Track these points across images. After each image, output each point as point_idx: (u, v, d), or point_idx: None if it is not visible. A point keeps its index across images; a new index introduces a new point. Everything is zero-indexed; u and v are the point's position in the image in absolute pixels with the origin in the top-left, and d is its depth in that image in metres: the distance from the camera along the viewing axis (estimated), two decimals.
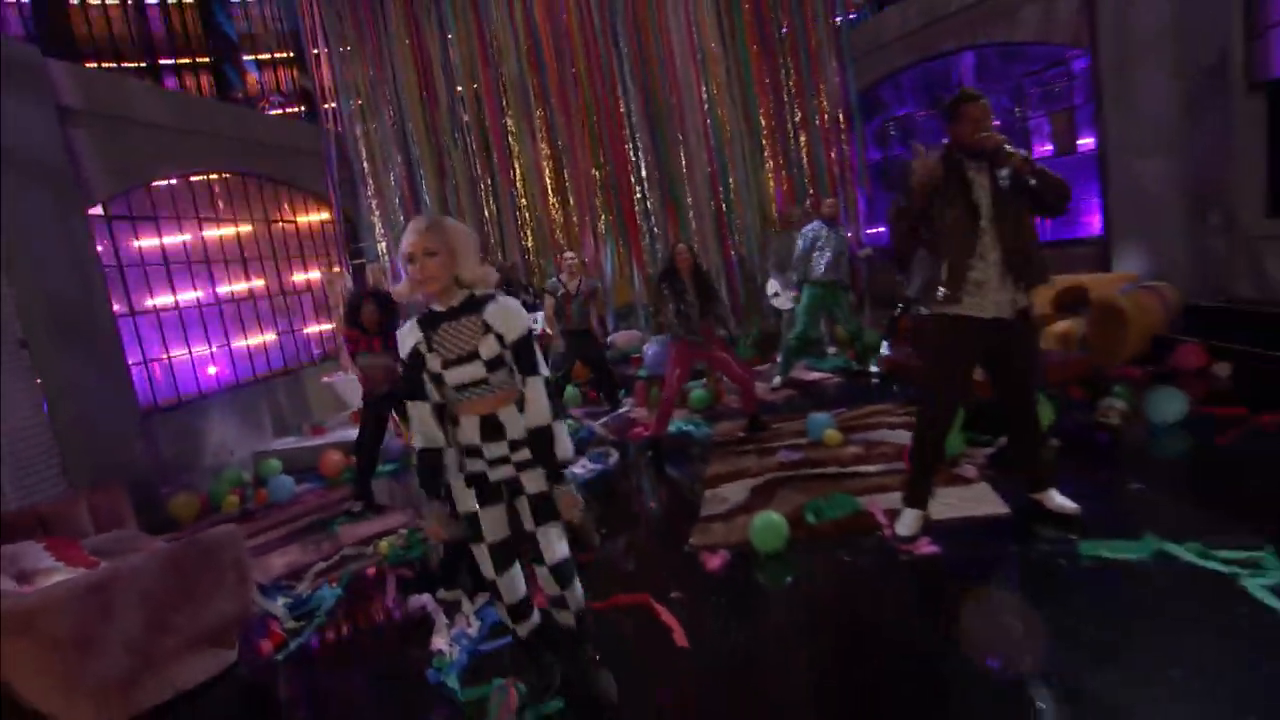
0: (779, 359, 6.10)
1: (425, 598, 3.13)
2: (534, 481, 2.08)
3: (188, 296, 6.31)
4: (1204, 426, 3.81)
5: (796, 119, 8.03)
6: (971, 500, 3.22)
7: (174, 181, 6.40)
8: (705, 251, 7.80)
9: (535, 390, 2.00)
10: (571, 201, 7.97)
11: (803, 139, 8.01)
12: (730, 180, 7.95)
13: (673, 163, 7.85)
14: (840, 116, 8.01)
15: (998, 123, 6.66)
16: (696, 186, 7.92)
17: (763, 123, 7.97)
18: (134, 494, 4.24)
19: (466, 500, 2.07)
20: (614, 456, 4.72)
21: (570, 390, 6.33)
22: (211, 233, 6.73)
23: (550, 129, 7.87)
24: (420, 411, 2.01)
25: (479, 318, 1.99)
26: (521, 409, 2.04)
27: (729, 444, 4.68)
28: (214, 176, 6.79)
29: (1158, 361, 4.99)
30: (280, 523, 4.75)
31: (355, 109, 7.41)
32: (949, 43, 7.81)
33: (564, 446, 2.03)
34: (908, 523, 2.89)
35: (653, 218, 8.01)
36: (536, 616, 2.28)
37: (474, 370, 1.97)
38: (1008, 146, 2.43)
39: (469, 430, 2.02)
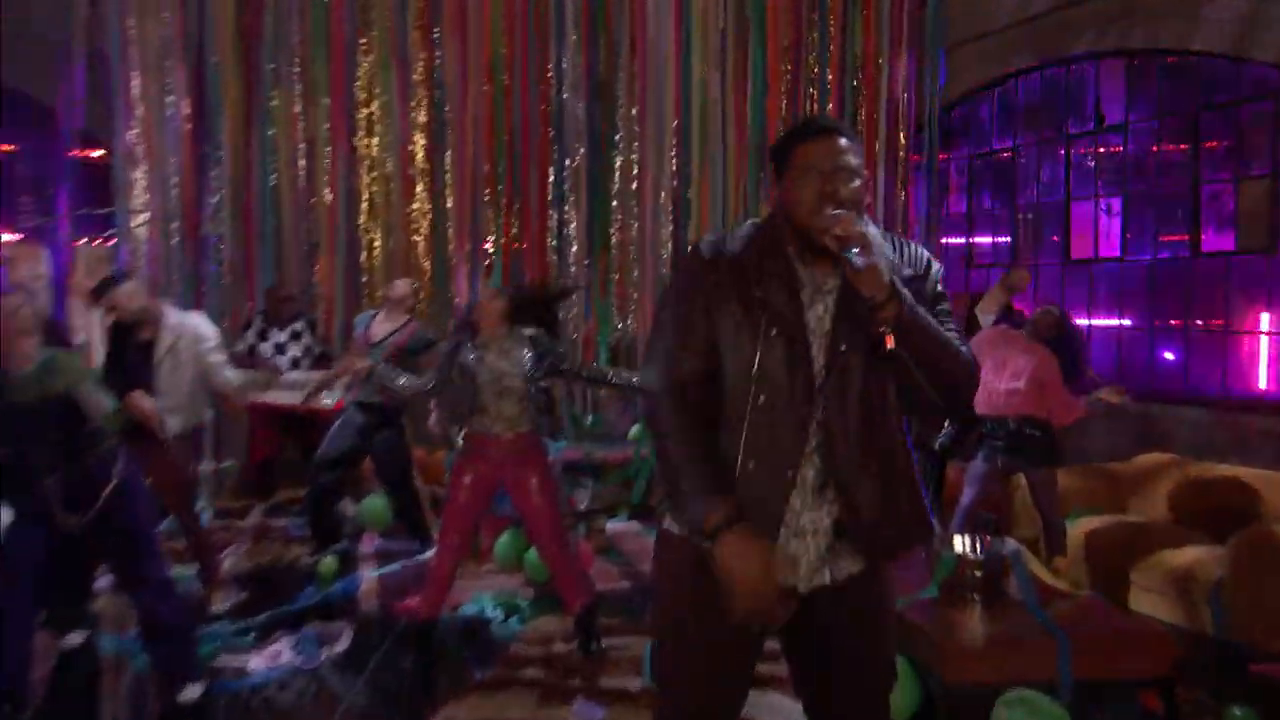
0: None
1: None
2: None
3: None
4: None
5: None
6: None
7: None
8: (632, 309, 7.14)
9: None
10: (449, 203, 7.06)
11: None
12: (695, 203, 7.14)
13: (610, 169, 7.22)
14: (902, 138, 7.29)
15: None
16: (646, 210, 7.13)
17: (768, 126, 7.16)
18: None
19: None
20: (339, 643, 4.11)
21: (373, 503, 5.76)
22: None
23: (433, 94, 7.02)
24: None
25: None
26: None
27: (525, 664, 3.99)
28: None
29: None
30: None
31: None
32: (1080, 42, 7.08)
33: None
34: None
35: (572, 245, 7.19)
36: None
37: None
38: (859, 252, 1.73)
39: None
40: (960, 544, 3.73)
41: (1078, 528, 4.76)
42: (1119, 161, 7.16)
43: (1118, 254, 7.18)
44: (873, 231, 1.87)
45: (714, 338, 1.90)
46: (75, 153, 6.68)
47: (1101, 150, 7.32)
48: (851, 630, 1.96)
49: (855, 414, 1.87)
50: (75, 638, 3.78)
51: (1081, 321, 7.23)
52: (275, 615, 4.35)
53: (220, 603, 4.52)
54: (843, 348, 1.86)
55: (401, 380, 4.24)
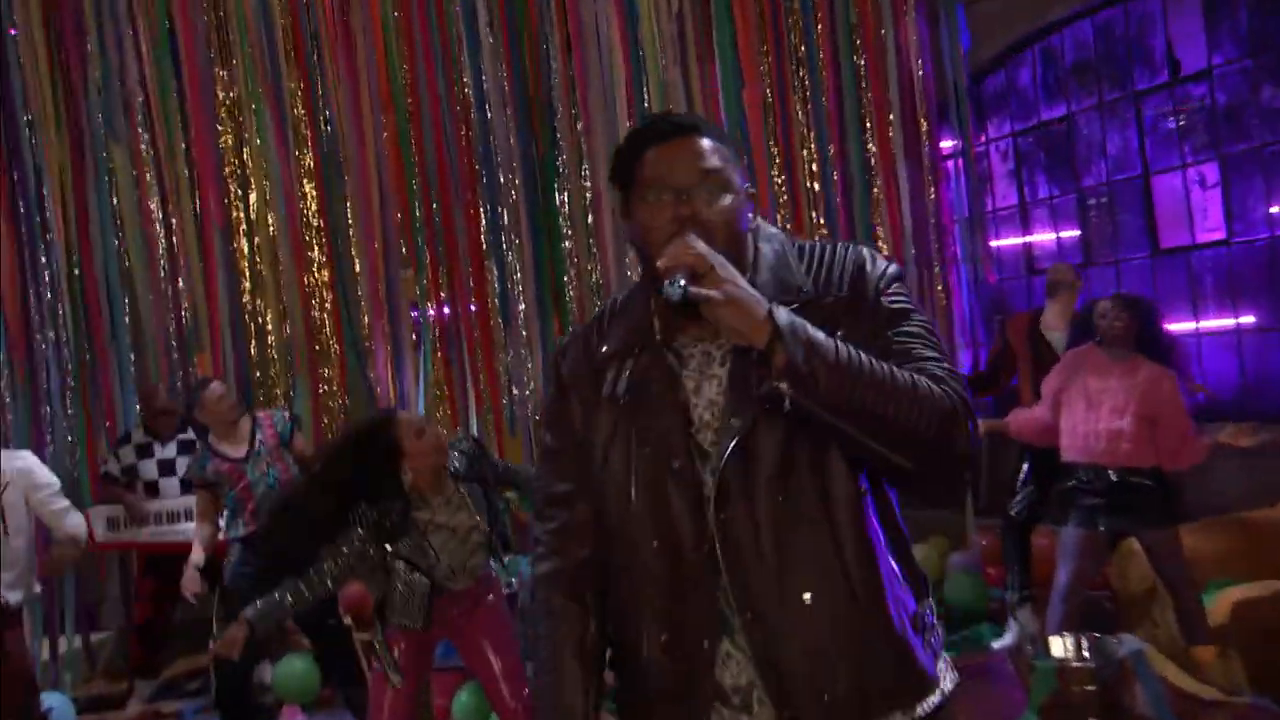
0: None
1: None
2: None
3: None
4: None
5: (823, 116, 6.93)
6: None
7: None
8: None
9: None
10: (358, 266, 6.85)
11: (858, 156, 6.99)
12: None
13: (554, 201, 7.10)
14: (924, 121, 6.94)
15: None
16: (606, 246, 6.90)
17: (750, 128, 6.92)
18: None
19: None
20: None
21: (297, 668, 5.54)
22: None
23: (318, 132, 6.83)
24: None
25: None
26: None
27: None
28: None
29: None
30: None
31: None
32: None
33: None
34: None
35: (519, 304, 7.02)
36: None
37: None
38: (714, 291, 1.65)
39: None
40: (1061, 647, 3.64)
41: (1219, 602, 4.40)
42: (1207, 118, 6.81)
43: (1222, 235, 6.80)
44: (768, 252, 1.83)
45: (590, 471, 1.86)
46: None
47: (1183, 107, 7.00)
48: None
49: (768, 523, 1.73)
50: None
51: (1185, 326, 6.87)
52: None
53: None
54: (734, 424, 1.73)
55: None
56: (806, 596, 1.72)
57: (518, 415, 6.69)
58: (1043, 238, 8.14)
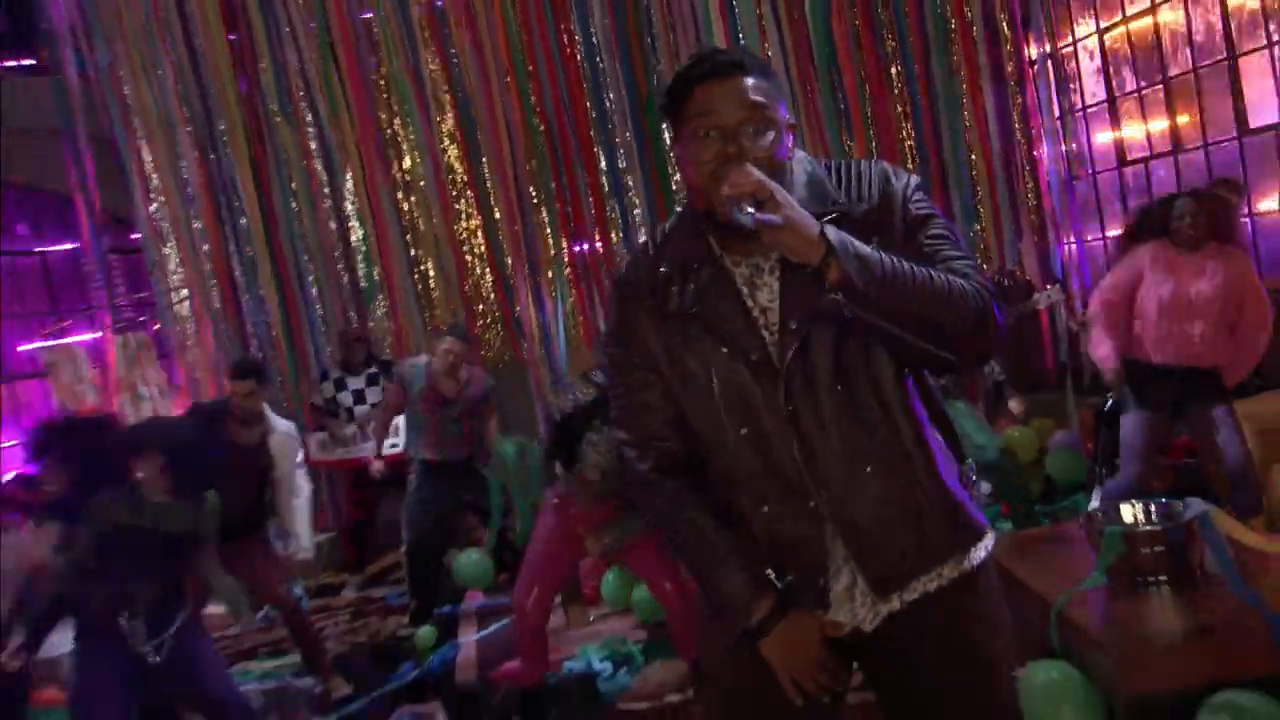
0: None
1: None
2: None
3: None
4: None
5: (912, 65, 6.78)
6: None
7: None
8: None
9: None
10: (496, 210, 6.98)
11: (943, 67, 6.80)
12: None
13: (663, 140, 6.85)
14: (1005, 28, 6.85)
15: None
16: None
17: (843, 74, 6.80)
18: None
19: None
20: None
21: (470, 558, 5.74)
22: None
23: (455, 89, 6.92)
24: None
25: None
26: None
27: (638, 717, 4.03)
28: None
29: None
30: None
31: (121, 56, 6.62)
32: None
33: None
34: None
35: (639, 236, 6.96)
36: None
37: None
38: (774, 216, 1.61)
39: None
40: (1130, 513, 3.50)
41: None
42: None
43: None
44: (800, 174, 1.79)
45: (665, 376, 1.85)
46: (105, 241, 6.96)
47: None
48: (937, 658, 1.84)
49: (830, 410, 1.75)
50: None
51: (1274, 204, 6.45)
52: (365, 705, 4.47)
53: (338, 690, 4.65)
54: (793, 328, 1.74)
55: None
56: (869, 469, 1.76)
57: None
58: (1132, 132, 7.60)
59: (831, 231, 1.65)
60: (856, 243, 1.67)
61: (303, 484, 4.78)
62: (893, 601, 1.80)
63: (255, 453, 4.54)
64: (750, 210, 1.63)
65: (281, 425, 4.70)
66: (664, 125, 7.10)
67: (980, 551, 1.85)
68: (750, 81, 1.75)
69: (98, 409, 6.38)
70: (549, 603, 4.23)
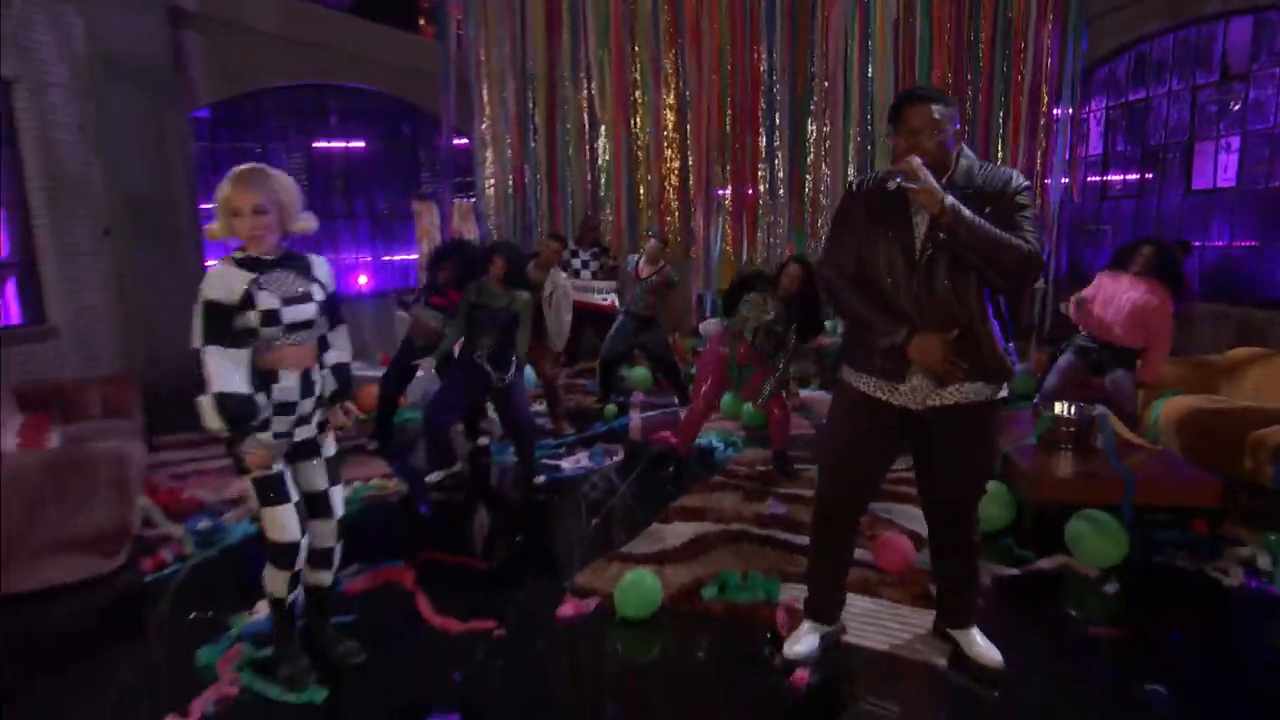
0: None
1: None
2: (330, 444, 2.19)
3: None
4: None
5: (978, 92, 6.48)
6: (922, 628, 2.43)
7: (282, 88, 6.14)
8: (821, 235, 6.71)
9: (342, 338, 2.16)
10: (691, 160, 6.92)
11: (999, 115, 6.51)
12: (871, 153, 6.65)
13: (805, 133, 6.80)
14: (1045, 94, 6.45)
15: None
16: (835, 166, 6.73)
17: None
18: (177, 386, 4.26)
19: (271, 459, 2.02)
20: (616, 457, 4.31)
21: (640, 371, 5.91)
22: (320, 144, 6.40)
23: (680, 73, 6.84)
24: (237, 358, 1.90)
25: (303, 263, 2.05)
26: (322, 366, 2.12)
27: (736, 477, 4.03)
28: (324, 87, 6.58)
29: None
30: None
31: (480, 34, 6.76)
32: (1214, 1, 6.01)
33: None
34: (800, 638, 2.26)
35: (778, 193, 6.91)
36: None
37: (307, 310, 2.01)
38: (916, 184, 1.73)
39: (287, 386, 2.02)
40: (1060, 408, 3.56)
41: (1170, 405, 4.01)
42: (1239, 105, 6.28)
43: (1234, 184, 6.33)
44: (964, 163, 1.85)
45: (858, 243, 1.95)
46: (453, 143, 7.12)
47: (1225, 97, 6.40)
48: (958, 433, 1.96)
49: (942, 289, 1.85)
50: (482, 440, 4.41)
51: (1198, 242, 6.49)
52: (578, 438, 4.65)
53: (566, 429, 4.74)
54: (929, 248, 1.84)
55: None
56: (955, 330, 1.86)
57: (771, 255, 6.99)
58: (1115, 177, 7.56)
59: (949, 198, 1.73)
60: (963, 208, 1.73)
61: (566, 305, 4.62)
62: (950, 395, 1.91)
63: (541, 286, 4.46)
64: (899, 180, 1.76)
65: (560, 274, 4.65)
66: (809, 123, 6.75)
67: (1005, 390, 1.96)
68: (934, 107, 1.81)
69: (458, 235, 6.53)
70: (711, 403, 4.05)
